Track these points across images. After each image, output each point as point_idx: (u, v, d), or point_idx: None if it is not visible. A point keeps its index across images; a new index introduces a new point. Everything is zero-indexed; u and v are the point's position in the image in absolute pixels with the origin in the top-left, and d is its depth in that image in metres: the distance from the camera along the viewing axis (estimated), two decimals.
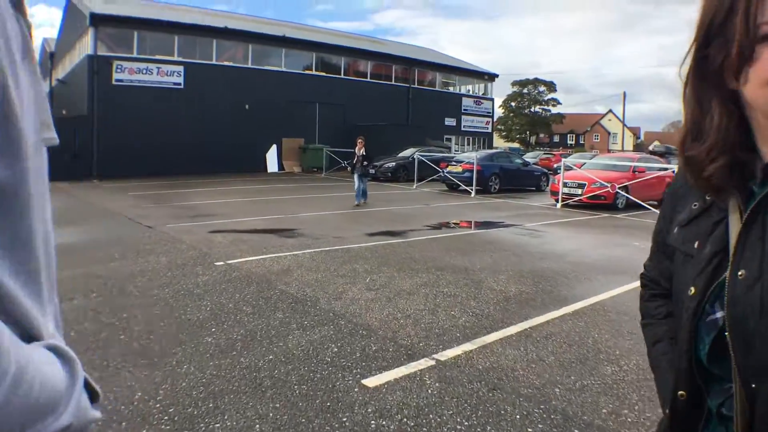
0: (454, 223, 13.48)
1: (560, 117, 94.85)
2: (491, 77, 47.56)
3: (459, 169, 22.01)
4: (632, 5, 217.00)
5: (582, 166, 20.30)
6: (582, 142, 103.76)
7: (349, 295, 6.68)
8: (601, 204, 17.13)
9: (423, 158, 24.11)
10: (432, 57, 45.81)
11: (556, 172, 29.35)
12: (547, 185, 24.48)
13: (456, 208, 16.76)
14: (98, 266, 8.11)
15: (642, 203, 16.64)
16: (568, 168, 19.10)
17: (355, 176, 16.72)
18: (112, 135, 27.44)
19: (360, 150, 16.61)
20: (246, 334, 5.33)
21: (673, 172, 16.74)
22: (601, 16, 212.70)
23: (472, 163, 21.28)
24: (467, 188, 21.26)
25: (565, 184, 17.96)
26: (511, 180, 23.02)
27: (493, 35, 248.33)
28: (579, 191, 17.67)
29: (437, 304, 6.37)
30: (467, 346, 5.07)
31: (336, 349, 4.94)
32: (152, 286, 7.00)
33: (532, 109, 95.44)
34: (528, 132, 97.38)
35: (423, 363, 4.67)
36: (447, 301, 6.46)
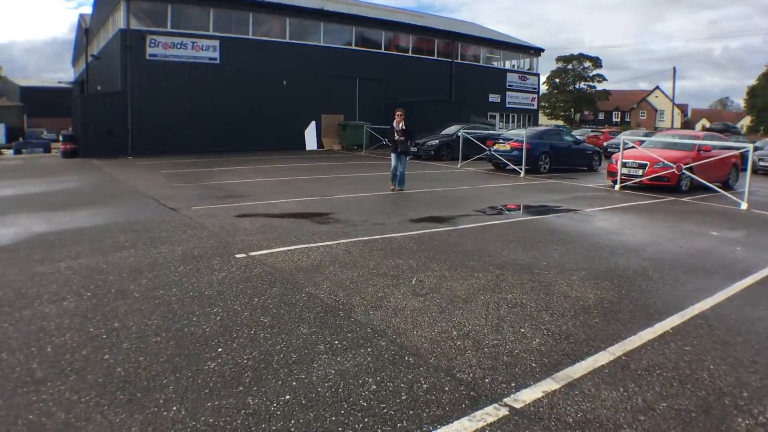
0: (507, 208, 12.16)
1: (606, 93, 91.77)
2: (537, 52, 45.57)
3: (507, 147, 20.55)
4: None
5: (641, 144, 18.68)
6: (628, 119, 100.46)
7: (391, 301, 5.47)
8: (663, 186, 15.61)
9: (468, 136, 22.69)
10: (475, 31, 44.00)
11: (606, 150, 27.67)
12: (600, 164, 22.98)
13: (506, 189, 15.40)
14: (104, 257, 7.08)
15: (709, 185, 15.08)
16: (627, 146, 17.53)
17: (393, 155, 14.44)
18: (147, 111, 26.72)
19: (400, 124, 14.23)
20: (260, 358, 4.17)
21: (747, 151, 15.15)
22: None
23: (521, 141, 19.80)
24: (516, 168, 19.82)
25: (624, 164, 16.43)
26: (561, 159, 21.49)
27: (535, 11, 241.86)
28: (640, 172, 16.13)
29: (501, 317, 5.10)
30: (548, 385, 3.82)
31: (374, 387, 3.74)
32: (158, 285, 5.92)
33: (577, 86, 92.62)
34: (573, 109, 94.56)
35: (492, 412, 3.44)
36: (513, 314, 5.19)
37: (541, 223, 10.24)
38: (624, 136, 19.79)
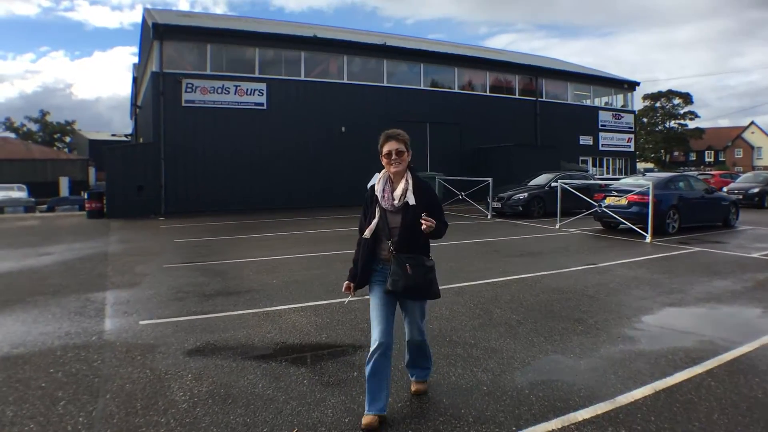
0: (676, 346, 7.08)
1: (699, 132, 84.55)
2: (631, 86, 39.99)
3: (623, 202, 15.41)
4: (752, 10, 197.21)
5: None
6: (722, 158, 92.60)
7: None
8: None
9: (568, 187, 17.65)
10: (559, 65, 39.05)
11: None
12: (737, 218, 17.55)
13: (641, 270, 10.25)
14: None
15: None
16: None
17: (376, 295, 4.34)
18: (183, 165, 23.14)
19: (400, 186, 4.17)
20: None
21: None
22: (719, 25, 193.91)
23: (644, 194, 14.70)
24: (636, 228, 14.73)
25: None
26: (693, 214, 16.20)
27: (607, 53, 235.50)
28: None
29: None
30: None
31: None
32: None
33: (667, 124, 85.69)
34: (663, 150, 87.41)
35: None
36: None
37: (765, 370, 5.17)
38: None
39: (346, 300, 5.01)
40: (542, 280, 9.16)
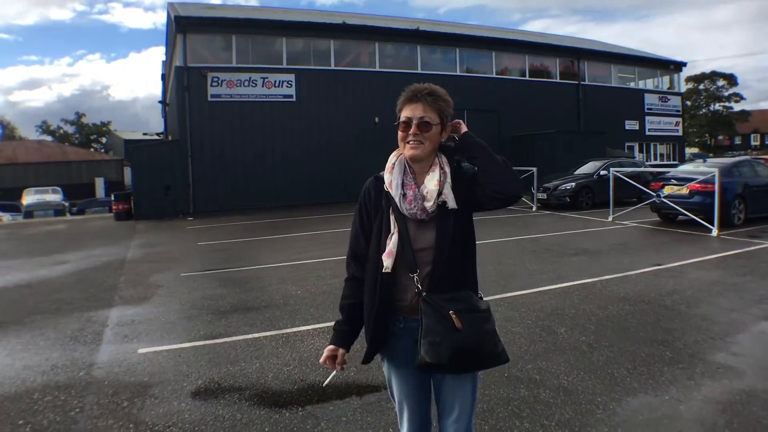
0: None
1: (745, 114, 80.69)
2: (677, 66, 37.81)
3: (684, 191, 14.01)
4: None
5: None
6: None
7: None
8: None
9: (621, 176, 16.25)
10: (602, 47, 37.20)
11: None
12: None
13: (716, 271, 8.92)
14: None
15: None
16: None
17: (401, 367, 2.47)
18: (210, 162, 22.36)
19: (432, 171, 2.44)
20: None
21: None
22: (758, 4, 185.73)
23: (708, 182, 13.29)
24: (698, 220, 13.36)
25: None
26: (759, 203, 14.67)
27: (644, 36, 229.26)
28: None
29: None
30: None
31: None
32: None
33: (711, 107, 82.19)
34: (708, 134, 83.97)
35: None
36: None
37: None
38: None
39: (326, 381, 3.11)
40: (607, 286, 7.90)
